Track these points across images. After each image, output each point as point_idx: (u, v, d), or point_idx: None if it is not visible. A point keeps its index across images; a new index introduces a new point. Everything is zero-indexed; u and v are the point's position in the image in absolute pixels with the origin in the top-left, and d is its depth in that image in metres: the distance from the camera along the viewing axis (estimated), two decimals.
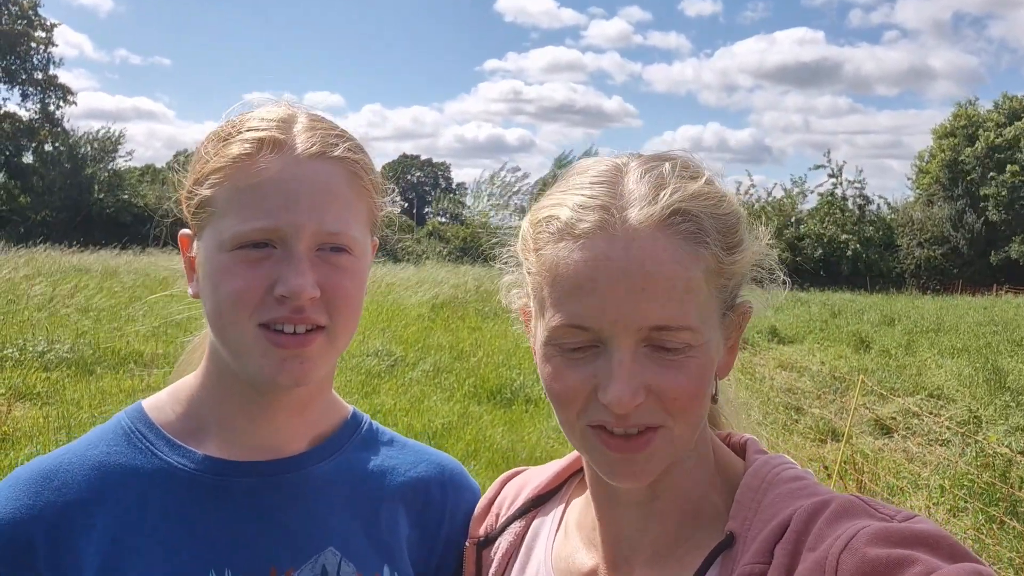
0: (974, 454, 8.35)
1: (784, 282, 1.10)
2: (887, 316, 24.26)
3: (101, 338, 11.80)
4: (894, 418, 10.49)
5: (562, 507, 1.24)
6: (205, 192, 1.13)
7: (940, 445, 9.44)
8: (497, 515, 1.30)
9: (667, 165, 1.00)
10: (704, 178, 1.01)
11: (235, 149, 1.11)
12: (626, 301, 0.92)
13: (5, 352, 10.49)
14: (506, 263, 1.16)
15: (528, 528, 1.25)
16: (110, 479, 1.14)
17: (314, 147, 1.13)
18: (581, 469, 1.26)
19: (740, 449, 1.14)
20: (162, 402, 1.24)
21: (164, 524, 1.12)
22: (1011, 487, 7.03)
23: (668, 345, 0.94)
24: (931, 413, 10.64)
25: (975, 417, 10.81)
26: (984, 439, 8.67)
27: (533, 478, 1.30)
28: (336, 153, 1.14)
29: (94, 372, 10.30)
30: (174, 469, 1.16)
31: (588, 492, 1.16)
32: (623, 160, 1.03)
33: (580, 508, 1.20)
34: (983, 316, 25.71)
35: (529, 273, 1.06)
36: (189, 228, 1.20)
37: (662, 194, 0.96)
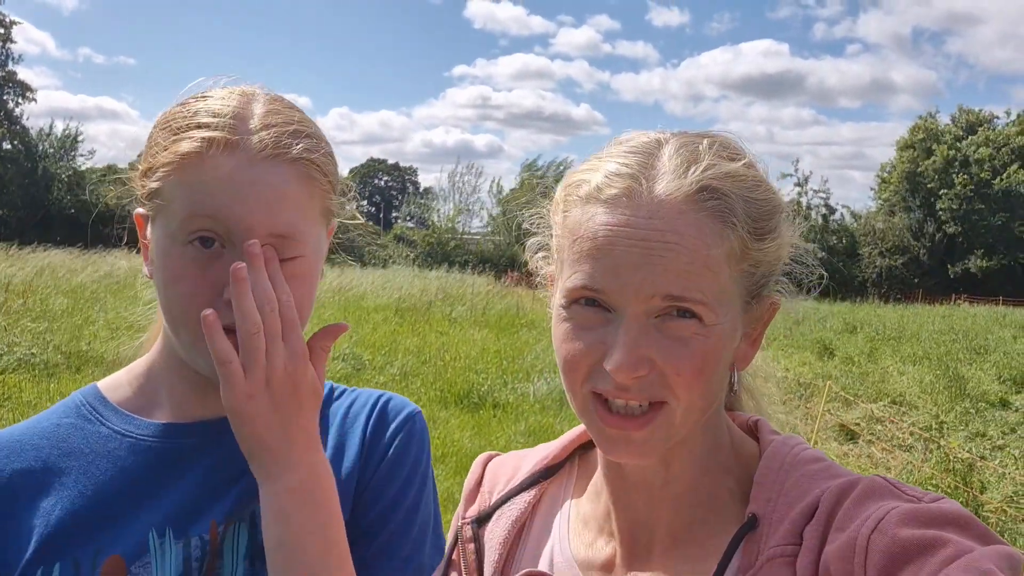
0: (937, 459, 8.47)
1: (821, 277, 1.11)
2: (850, 324, 24.60)
3: (60, 341, 11.54)
4: (858, 424, 10.62)
5: (570, 485, 1.22)
6: (154, 184, 1.12)
7: (903, 450, 9.56)
8: (490, 493, 1.26)
9: (705, 142, 0.99)
10: (744, 161, 0.99)
11: (185, 146, 1.09)
12: (641, 267, 0.91)
13: None
14: (535, 226, 1.15)
15: (539, 502, 1.22)
16: (58, 448, 1.18)
17: (267, 149, 1.10)
18: (587, 443, 1.25)
19: (749, 429, 1.12)
20: (117, 380, 1.27)
21: (108, 491, 1.15)
22: (972, 490, 7.14)
23: (680, 319, 0.93)
24: (894, 419, 10.79)
25: (938, 423, 10.99)
26: (946, 444, 8.80)
27: (531, 455, 1.28)
28: (291, 154, 1.11)
29: (53, 375, 10.06)
30: (120, 437, 1.19)
31: (598, 478, 1.15)
32: (665, 136, 1.02)
33: (591, 495, 1.18)
34: (943, 325, 26.18)
35: (555, 236, 1.06)
36: (143, 209, 1.18)
37: (693, 169, 0.95)
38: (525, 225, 1.17)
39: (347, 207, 1.29)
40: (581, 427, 1.24)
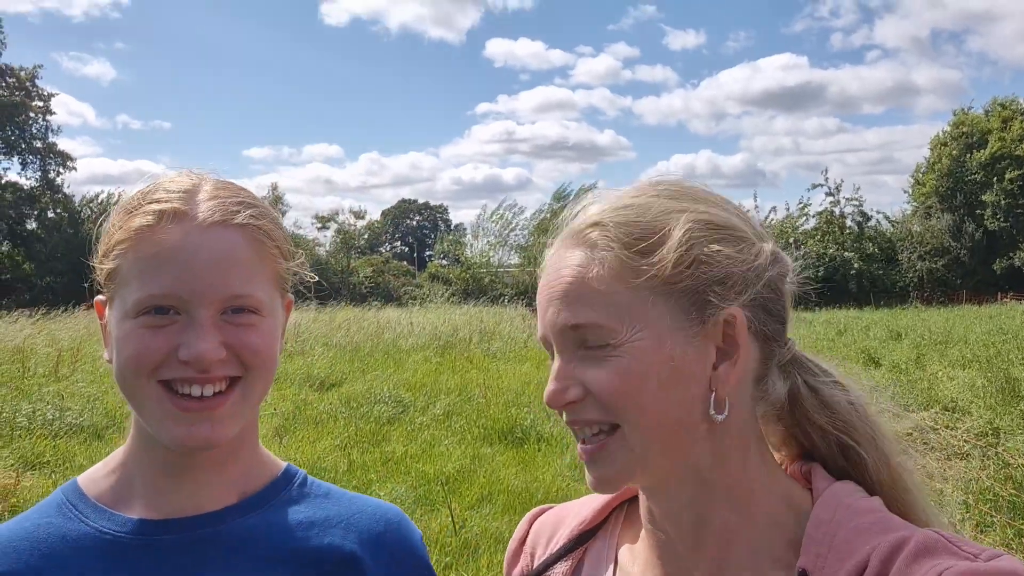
0: (995, 467, 8.23)
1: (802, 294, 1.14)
2: (894, 331, 24.14)
3: (109, 402, 11.75)
4: (910, 434, 10.36)
5: (612, 544, 1.20)
6: (110, 264, 1.15)
7: (960, 459, 9.32)
8: (532, 555, 1.26)
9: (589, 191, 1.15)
10: (633, 194, 1.09)
11: (137, 221, 1.13)
12: (548, 309, 1.05)
13: (16, 421, 10.44)
14: None
15: (579, 567, 1.21)
16: (38, 550, 1.16)
17: (215, 215, 1.14)
18: (625, 502, 1.24)
19: (803, 476, 1.10)
20: (95, 473, 1.26)
21: None
22: None
23: (590, 344, 1.01)
24: (947, 427, 10.53)
25: (992, 428, 10.69)
26: (1004, 451, 8.56)
27: (571, 514, 1.27)
28: (237, 220, 1.16)
29: (103, 437, 10.24)
30: (99, 534, 1.17)
31: (643, 533, 1.14)
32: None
33: (638, 552, 1.16)
34: (990, 325, 25.56)
35: None
36: (102, 294, 1.21)
37: (590, 210, 1.09)
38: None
39: (297, 271, 1.29)
40: None
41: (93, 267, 1.21)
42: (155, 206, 1.14)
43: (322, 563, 1.22)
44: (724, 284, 1.01)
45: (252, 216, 1.17)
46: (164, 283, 1.09)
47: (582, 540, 1.22)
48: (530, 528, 1.31)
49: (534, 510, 1.35)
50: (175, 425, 1.11)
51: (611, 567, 1.17)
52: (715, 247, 1.02)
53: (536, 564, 1.23)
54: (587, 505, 1.25)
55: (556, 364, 1.04)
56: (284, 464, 1.33)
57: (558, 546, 1.23)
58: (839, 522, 0.96)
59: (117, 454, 1.27)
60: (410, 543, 1.31)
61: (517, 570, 1.27)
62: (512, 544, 1.31)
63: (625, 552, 1.18)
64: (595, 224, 1.04)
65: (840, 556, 0.92)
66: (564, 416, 1.05)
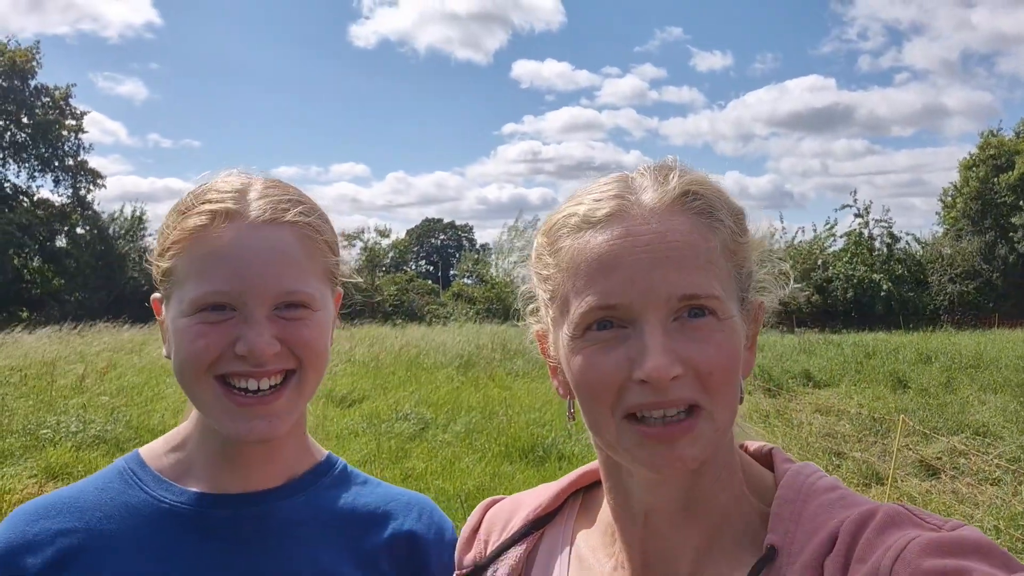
0: None
1: (788, 280, 1.13)
2: (923, 354, 23.77)
3: (133, 415, 11.86)
4: (939, 458, 10.18)
5: (568, 529, 1.20)
6: (166, 263, 1.21)
7: (991, 484, 9.12)
8: (485, 542, 1.26)
9: (670, 159, 1.07)
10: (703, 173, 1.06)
11: (192, 221, 1.19)
12: (654, 269, 0.94)
13: (40, 433, 10.56)
14: (523, 294, 1.18)
15: (534, 551, 1.20)
16: (100, 512, 1.24)
17: (265, 213, 1.20)
18: (581, 490, 1.24)
19: (764, 458, 1.12)
20: (156, 447, 1.35)
21: (145, 553, 1.21)
22: None
23: (696, 318, 0.95)
24: (978, 451, 10.32)
25: None
26: None
27: (526, 501, 1.27)
28: (287, 218, 1.21)
29: (126, 449, 10.31)
30: (157, 502, 1.25)
31: (606, 518, 1.14)
32: (628, 171, 1.09)
33: (596, 536, 1.16)
34: None
35: (547, 280, 1.07)
36: (159, 292, 1.28)
37: (671, 176, 1.02)
38: (518, 291, 1.18)
39: (344, 267, 1.35)
40: (579, 471, 1.24)
41: (151, 265, 1.28)
42: (208, 206, 1.20)
43: (362, 538, 1.32)
44: (754, 272, 1.07)
45: (301, 213, 1.24)
46: (219, 282, 1.15)
47: (538, 524, 1.22)
48: (483, 516, 1.30)
49: (487, 500, 1.35)
50: (233, 422, 1.17)
51: (567, 549, 1.17)
52: (756, 237, 1.08)
53: (490, 550, 1.23)
54: (543, 492, 1.26)
55: (656, 334, 0.92)
56: (326, 453, 1.42)
57: (511, 532, 1.22)
58: (803, 500, 0.98)
59: (179, 432, 1.34)
60: (440, 522, 1.42)
61: (470, 556, 1.26)
62: (464, 532, 1.30)
63: (582, 537, 1.18)
64: (696, 194, 1.00)
65: (808, 530, 0.94)
66: (642, 394, 0.93)
